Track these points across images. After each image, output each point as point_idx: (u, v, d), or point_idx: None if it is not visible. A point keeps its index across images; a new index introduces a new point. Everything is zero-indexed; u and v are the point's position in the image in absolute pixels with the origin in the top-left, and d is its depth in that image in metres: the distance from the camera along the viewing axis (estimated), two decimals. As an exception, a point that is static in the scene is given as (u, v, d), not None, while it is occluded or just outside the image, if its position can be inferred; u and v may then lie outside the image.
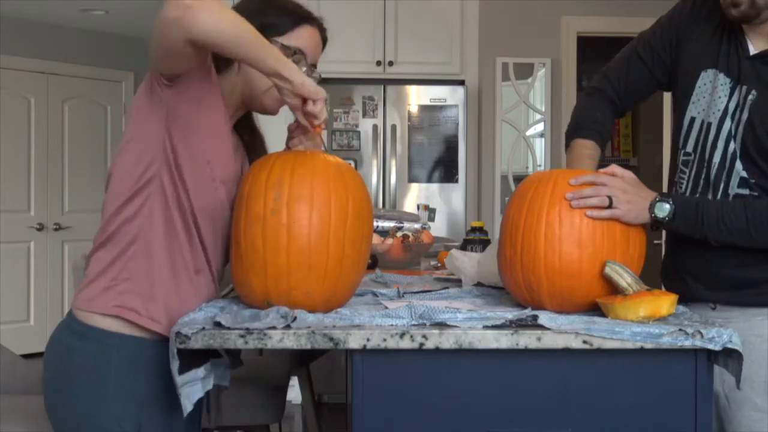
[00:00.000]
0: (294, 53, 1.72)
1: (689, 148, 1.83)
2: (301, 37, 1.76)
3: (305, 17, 1.79)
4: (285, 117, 1.69)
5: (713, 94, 1.78)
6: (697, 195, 1.80)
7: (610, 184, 1.62)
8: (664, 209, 1.66)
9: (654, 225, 1.68)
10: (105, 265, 1.63)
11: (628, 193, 1.62)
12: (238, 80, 1.72)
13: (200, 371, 1.53)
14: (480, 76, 5.09)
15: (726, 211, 1.67)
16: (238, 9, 1.69)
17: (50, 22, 6.64)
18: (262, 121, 1.90)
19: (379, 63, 4.96)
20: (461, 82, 5.01)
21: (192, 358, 1.50)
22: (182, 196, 1.62)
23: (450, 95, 4.91)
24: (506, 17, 5.14)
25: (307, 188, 1.54)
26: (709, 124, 1.78)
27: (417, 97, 4.91)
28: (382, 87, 4.89)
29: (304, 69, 1.72)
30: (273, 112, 1.77)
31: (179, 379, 1.46)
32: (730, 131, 1.75)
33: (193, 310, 1.60)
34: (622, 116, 2.09)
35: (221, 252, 1.73)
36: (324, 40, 1.85)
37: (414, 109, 4.91)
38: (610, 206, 1.59)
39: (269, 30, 1.67)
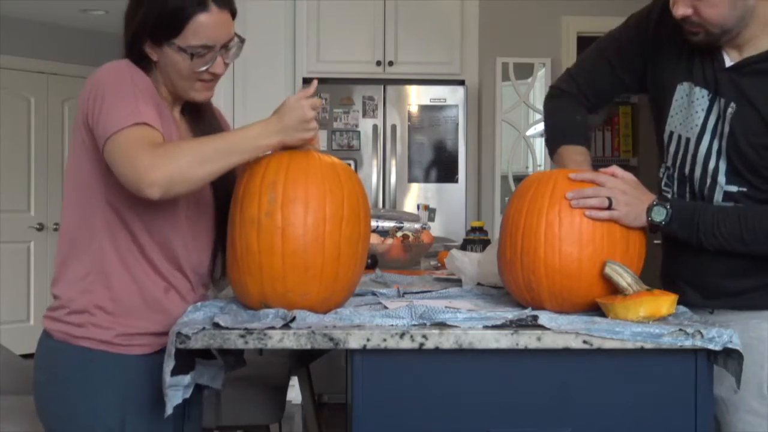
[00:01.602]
0: (192, 56, 1.62)
1: (669, 162, 1.81)
2: (199, 28, 1.60)
3: (194, 7, 1.61)
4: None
5: (690, 109, 1.74)
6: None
7: (609, 184, 1.62)
8: (660, 213, 1.66)
9: (651, 228, 1.68)
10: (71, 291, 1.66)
11: (627, 195, 1.62)
12: (160, 77, 1.69)
13: (186, 378, 1.53)
14: (480, 76, 5.09)
15: (722, 217, 1.66)
16: (126, 17, 1.66)
17: (50, 22, 6.64)
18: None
19: (379, 63, 4.96)
20: (461, 82, 5.01)
21: (182, 362, 1.49)
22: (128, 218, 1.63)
23: (450, 95, 4.91)
24: (506, 17, 5.14)
25: (302, 189, 1.54)
26: (688, 140, 1.75)
27: (417, 97, 4.91)
28: (382, 87, 4.89)
29: (217, 58, 1.64)
30: (203, 101, 1.73)
31: (169, 380, 1.46)
32: (710, 146, 1.72)
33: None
34: (595, 113, 2.06)
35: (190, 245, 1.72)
36: (232, 12, 1.68)
37: (414, 109, 4.90)
38: (609, 207, 1.59)
39: (160, 35, 1.61)
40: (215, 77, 1.68)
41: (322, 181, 1.55)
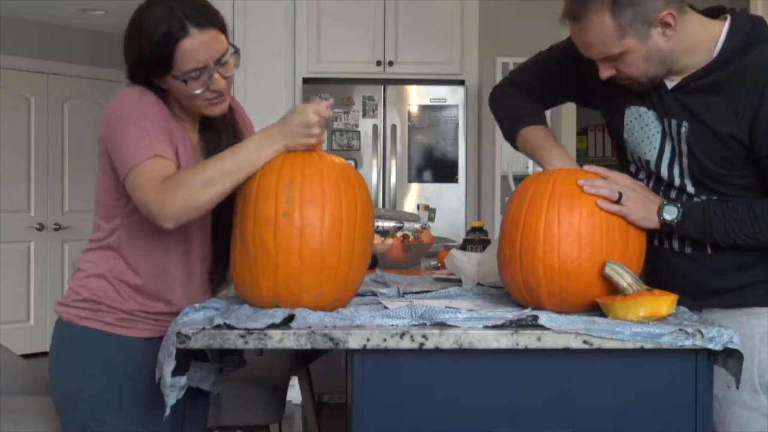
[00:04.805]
0: (187, 82, 1.65)
1: (641, 176, 1.82)
2: (185, 54, 1.62)
3: (174, 38, 1.62)
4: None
5: (644, 131, 1.76)
6: None
7: (619, 181, 1.63)
8: (672, 212, 1.67)
9: (664, 228, 1.68)
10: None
11: (637, 193, 1.64)
12: (172, 98, 1.73)
13: (183, 379, 1.55)
14: (480, 76, 5.08)
15: (731, 214, 1.67)
16: (124, 51, 1.69)
17: (50, 22, 6.64)
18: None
19: (379, 63, 4.96)
20: (461, 82, 5.01)
21: (179, 363, 1.51)
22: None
23: (450, 95, 4.91)
24: (506, 17, 5.13)
25: (318, 190, 1.55)
26: (648, 162, 1.77)
27: (417, 97, 4.91)
28: (382, 87, 4.89)
29: (214, 75, 1.66)
30: (217, 115, 1.75)
31: (171, 381, 1.48)
32: (670, 166, 1.74)
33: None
34: None
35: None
36: (219, 27, 1.68)
37: (414, 109, 4.90)
38: (618, 201, 1.60)
39: (155, 71, 1.66)
40: (219, 93, 1.70)
41: (337, 182, 1.57)
